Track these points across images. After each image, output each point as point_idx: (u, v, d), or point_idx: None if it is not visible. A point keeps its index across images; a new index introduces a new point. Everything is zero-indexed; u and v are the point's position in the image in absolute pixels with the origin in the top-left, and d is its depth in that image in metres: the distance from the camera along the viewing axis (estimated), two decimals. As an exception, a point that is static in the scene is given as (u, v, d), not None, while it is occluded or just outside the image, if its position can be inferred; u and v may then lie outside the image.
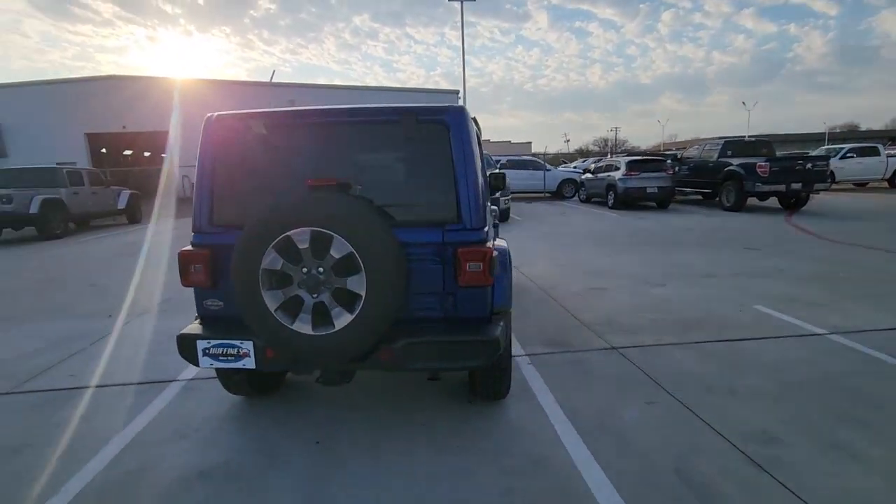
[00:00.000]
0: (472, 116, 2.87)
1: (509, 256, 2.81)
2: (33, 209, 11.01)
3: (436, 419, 2.85)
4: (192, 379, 3.41)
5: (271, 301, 2.17)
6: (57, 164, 22.87)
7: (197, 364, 2.42)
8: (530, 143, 68.67)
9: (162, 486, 2.31)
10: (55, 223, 11.57)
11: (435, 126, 2.40)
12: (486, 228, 2.47)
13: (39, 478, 2.38)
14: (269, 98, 24.36)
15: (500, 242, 3.08)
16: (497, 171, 4.78)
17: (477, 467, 2.39)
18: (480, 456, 2.48)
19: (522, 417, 2.86)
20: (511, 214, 13.47)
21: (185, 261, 2.47)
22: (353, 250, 2.10)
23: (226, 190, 2.49)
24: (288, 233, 2.11)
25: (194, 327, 2.51)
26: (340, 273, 2.15)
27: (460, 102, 24.60)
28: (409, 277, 2.35)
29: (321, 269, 2.15)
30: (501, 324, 2.49)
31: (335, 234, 2.10)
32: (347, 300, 2.17)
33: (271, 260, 2.15)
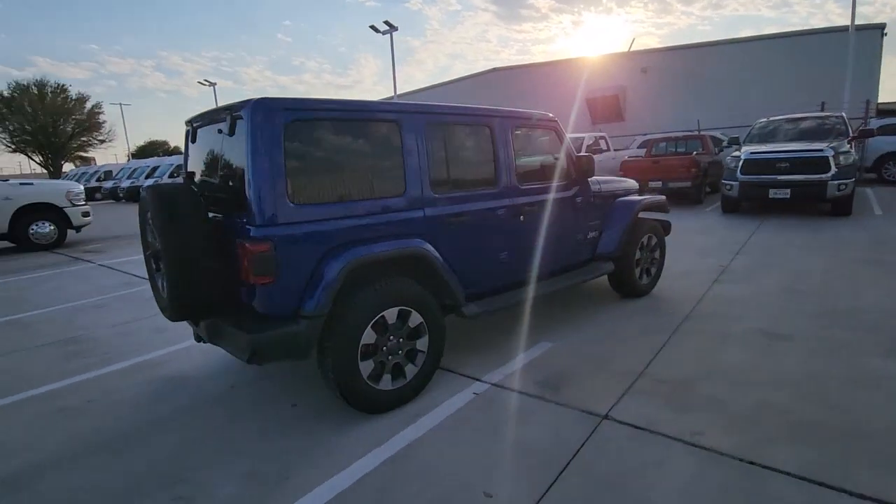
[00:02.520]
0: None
1: (344, 258, 2.48)
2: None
3: (303, 406, 2.93)
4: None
5: (150, 264, 2.89)
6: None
7: None
8: None
9: (159, 373, 3.48)
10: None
11: (240, 120, 2.44)
12: (268, 225, 2.35)
13: (131, 354, 3.97)
14: (628, 67, 23.73)
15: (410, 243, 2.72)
16: (583, 154, 3.82)
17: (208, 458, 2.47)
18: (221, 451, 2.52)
19: (310, 438, 2.57)
20: (875, 204, 9.05)
21: None
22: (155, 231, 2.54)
23: None
24: (147, 213, 2.74)
25: None
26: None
27: (884, 37, 17.02)
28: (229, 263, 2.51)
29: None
30: (285, 328, 2.38)
31: (150, 218, 2.59)
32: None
33: (147, 232, 2.84)
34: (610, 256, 4.26)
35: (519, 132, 3.56)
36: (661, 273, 4.86)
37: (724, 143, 12.69)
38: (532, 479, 2.19)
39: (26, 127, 40.30)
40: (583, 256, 4.17)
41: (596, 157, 12.19)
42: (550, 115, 3.82)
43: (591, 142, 12.24)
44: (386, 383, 2.77)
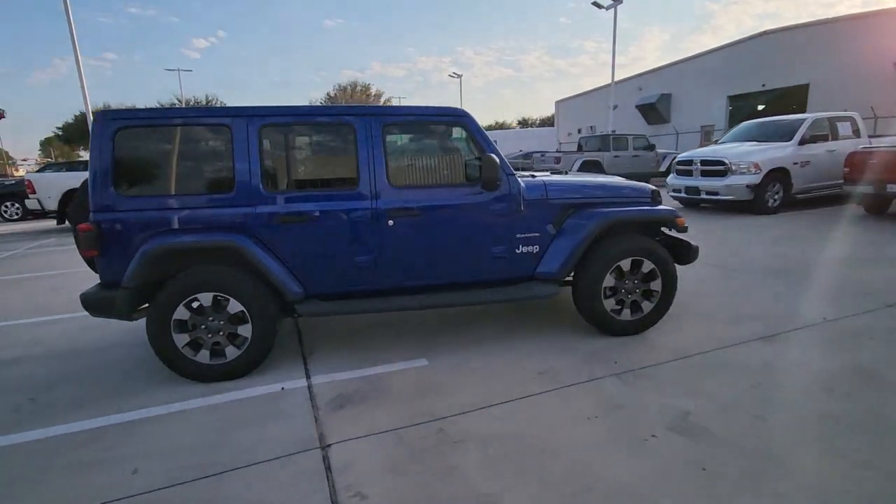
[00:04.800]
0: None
1: (153, 243, 2.91)
2: (576, 169, 14.35)
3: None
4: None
5: None
6: (701, 127, 25.60)
7: None
8: None
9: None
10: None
11: None
12: (97, 211, 2.96)
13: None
14: None
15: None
16: (487, 155, 3.30)
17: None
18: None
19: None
20: None
21: None
22: None
23: None
24: None
25: None
26: None
27: None
28: None
29: None
30: (103, 293, 3.03)
31: None
32: None
33: None
34: (551, 278, 3.49)
35: (398, 131, 3.28)
36: (665, 310, 3.65)
37: None
38: (173, 474, 2.27)
39: (342, 120, 53.02)
40: (510, 273, 3.53)
41: (825, 147, 9.03)
42: (459, 109, 3.33)
43: (810, 128, 8.98)
44: (204, 358, 3.15)
